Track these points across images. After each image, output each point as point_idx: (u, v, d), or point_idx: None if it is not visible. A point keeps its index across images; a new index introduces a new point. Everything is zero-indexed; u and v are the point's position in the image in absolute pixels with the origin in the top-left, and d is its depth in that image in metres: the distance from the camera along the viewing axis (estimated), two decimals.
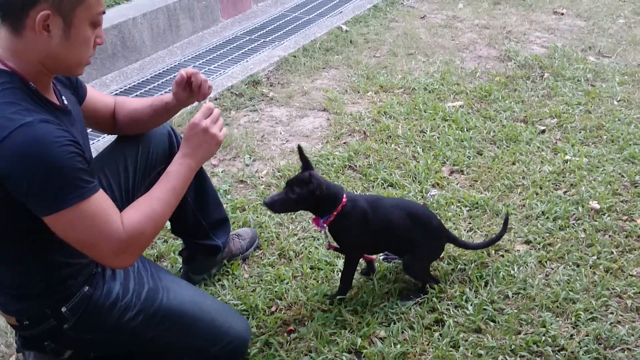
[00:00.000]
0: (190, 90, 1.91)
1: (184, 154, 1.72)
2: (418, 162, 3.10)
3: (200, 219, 2.26)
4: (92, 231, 1.49)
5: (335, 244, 2.21)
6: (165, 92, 3.94)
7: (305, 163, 2.05)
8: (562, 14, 5.35)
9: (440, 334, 2.08)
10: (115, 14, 4.35)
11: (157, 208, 1.62)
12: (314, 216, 2.12)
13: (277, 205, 2.02)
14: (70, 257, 1.64)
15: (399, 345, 2.03)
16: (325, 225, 2.09)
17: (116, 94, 3.93)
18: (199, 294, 1.98)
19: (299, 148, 2.08)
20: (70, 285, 1.65)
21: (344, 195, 2.09)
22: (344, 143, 3.32)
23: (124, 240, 1.54)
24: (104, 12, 1.53)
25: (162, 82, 4.14)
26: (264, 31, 5.04)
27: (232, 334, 1.89)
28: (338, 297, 2.22)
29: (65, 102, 1.62)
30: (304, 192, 2.00)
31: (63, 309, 1.64)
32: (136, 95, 3.93)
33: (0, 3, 1.43)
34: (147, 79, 4.19)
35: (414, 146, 3.25)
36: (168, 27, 4.66)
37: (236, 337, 1.90)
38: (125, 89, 4.02)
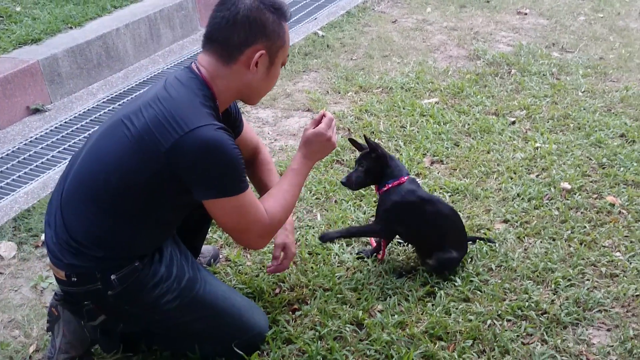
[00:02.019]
0: None
1: (305, 156, 1.99)
2: (401, 154, 3.29)
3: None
4: (247, 217, 1.80)
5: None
6: None
7: (363, 146, 2.33)
8: (526, 13, 5.63)
9: (433, 304, 2.27)
10: (99, 26, 4.48)
11: (288, 199, 1.94)
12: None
13: (353, 180, 2.30)
14: (165, 237, 1.91)
15: (396, 316, 2.21)
16: (379, 192, 2.33)
17: (103, 102, 4.06)
18: (231, 290, 2.14)
19: (351, 140, 2.38)
20: (128, 258, 1.80)
21: (407, 176, 2.32)
22: None
23: (267, 225, 1.86)
24: (288, 55, 1.89)
25: (147, 90, 4.25)
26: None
27: (256, 328, 2.07)
28: (331, 236, 2.40)
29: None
30: (370, 161, 2.28)
31: (112, 277, 1.77)
32: (123, 102, 4.05)
33: (219, 40, 1.76)
34: (132, 87, 4.32)
35: (396, 140, 3.45)
36: (149, 36, 4.80)
37: (258, 332, 2.08)
38: (111, 97, 4.14)
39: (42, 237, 2.69)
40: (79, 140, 3.58)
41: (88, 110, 3.96)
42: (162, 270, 1.87)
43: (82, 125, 3.75)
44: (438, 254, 2.35)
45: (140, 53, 4.73)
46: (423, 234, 2.40)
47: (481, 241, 2.58)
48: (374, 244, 2.57)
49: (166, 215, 1.85)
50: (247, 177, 1.83)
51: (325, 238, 2.40)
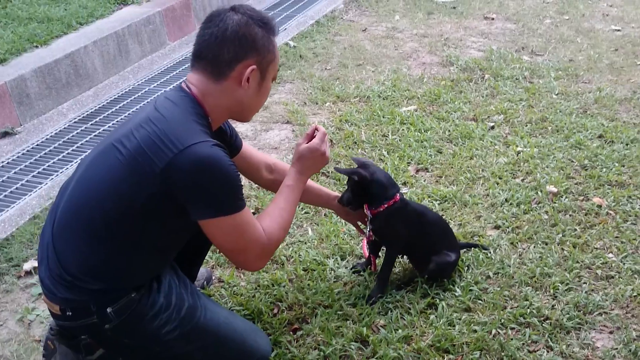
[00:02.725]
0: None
1: (299, 171, 1.95)
2: (386, 163, 3.28)
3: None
4: (246, 237, 1.74)
5: (373, 237, 2.36)
6: (123, 118, 3.98)
7: (359, 162, 2.29)
8: (493, 18, 5.71)
9: (436, 316, 2.24)
10: (66, 44, 4.36)
11: (285, 217, 1.89)
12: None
13: (345, 200, 2.28)
14: (162, 265, 1.84)
15: (400, 330, 2.18)
16: (370, 213, 2.27)
17: (75, 123, 3.94)
18: (231, 314, 2.07)
19: (337, 169, 2.32)
20: (125, 289, 1.72)
21: (398, 195, 2.27)
22: None
23: (266, 245, 1.80)
24: (278, 70, 1.85)
25: (119, 108, 4.16)
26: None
27: (259, 353, 2.00)
28: (378, 295, 2.34)
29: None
30: (353, 182, 2.23)
31: (108, 309, 1.70)
32: (95, 122, 3.94)
33: (209, 57, 1.70)
34: (103, 105, 4.21)
35: (379, 149, 3.43)
36: (118, 52, 4.69)
37: (262, 355, 2.01)
38: (83, 117, 4.03)
39: (25, 266, 2.58)
40: (53, 163, 3.46)
41: (60, 131, 3.84)
42: (161, 300, 1.80)
43: (55, 147, 3.63)
44: (436, 258, 2.34)
45: (109, 70, 4.62)
46: (419, 245, 2.38)
47: (475, 249, 2.57)
48: (367, 254, 2.54)
49: (163, 242, 1.78)
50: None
51: (373, 300, 2.34)
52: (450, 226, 2.54)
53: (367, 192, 2.24)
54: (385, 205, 2.25)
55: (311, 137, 2.01)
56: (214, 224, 1.70)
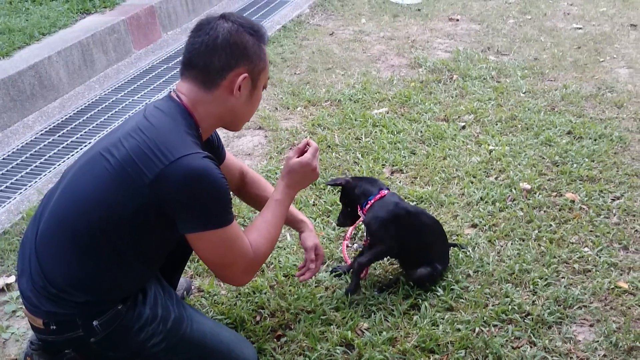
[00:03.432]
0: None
1: (288, 185, 1.92)
2: (360, 166, 3.28)
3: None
4: (233, 251, 1.72)
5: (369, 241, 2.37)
6: (91, 129, 3.91)
7: (335, 180, 2.35)
8: (457, 20, 5.78)
9: (419, 316, 2.25)
10: (29, 55, 4.26)
11: (272, 232, 1.86)
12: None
13: (341, 219, 2.40)
14: (149, 276, 1.81)
15: (384, 332, 2.17)
16: (362, 213, 2.28)
17: (41, 135, 3.86)
18: (217, 325, 2.04)
19: (327, 183, 2.38)
20: (111, 301, 1.68)
21: (383, 190, 2.29)
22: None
23: (252, 260, 1.77)
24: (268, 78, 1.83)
25: (86, 118, 4.08)
26: (180, 59, 5.07)
27: None
28: (351, 291, 2.36)
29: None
30: (342, 193, 2.31)
31: (94, 322, 1.66)
32: (63, 133, 3.86)
33: (200, 65, 1.68)
34: (70, 116, 4.12)
35: (353, 153, 3.43)
36: (83, 62, 4.61)
37: None
38: (49, 129, 3.94)
39: None
40: (21, 176, 3.38)
41: (26, 144, 3.74)
42: (147, 312, 1.76)
43: (22, 161, 3.54)
44: (424, 268, 2.33)
45: (74, 80, 4.53)
46: (411, 246, 2.37)
47: (454, 248, 2.59)
48: (349, 261, 2.54)
49: (151, 253, 1.74)
50: (244, 201, 1.81)
51: (352, 292, 2.36)
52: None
53: (354, 195, 2.27)
54: (372, 201, 2.27)
55: (302, 151, 1.98)
56: (202, 238, 1.67)
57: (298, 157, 1.94)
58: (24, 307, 1.72)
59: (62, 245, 1.64)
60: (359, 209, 2.32)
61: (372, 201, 2.27)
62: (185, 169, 1.56)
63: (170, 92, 1.74)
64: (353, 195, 2.31)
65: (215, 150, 2.00)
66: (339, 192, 2.37)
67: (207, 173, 1.58)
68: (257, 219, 1.89)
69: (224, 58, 1.66)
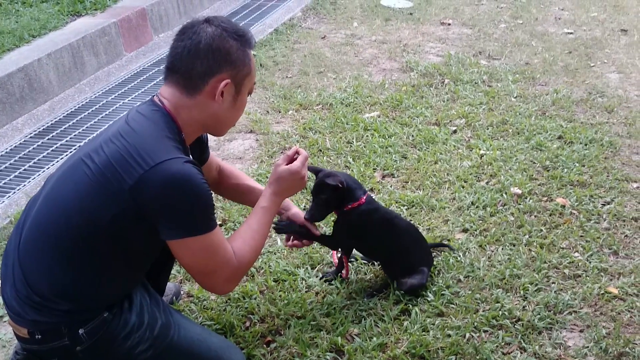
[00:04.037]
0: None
1: (275, 193, 1.90)
2: (352, 170, 3.27)
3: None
4: (216, 259, 1.69)
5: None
6: (81, 132, 3.88)
7: (316, 171, 2.24)
8: (449, 24, 5.78)
9: (409, 322, 2.24)
10: (18, 57, 4.22)
11: (258, 240, 1.84)
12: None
13: (317, 215, 2.22)
14: (134, 282, 1.79)
15: (374, 338, 2.16)
16: (337, 212, 2.28)
17: (31, 138, 3.83)
18: (205, 331, 2.02)
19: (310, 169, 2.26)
20: (97, 309, 1.66)
21: (364, 196, 2.25)
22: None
23: (236, 269, 1.75)
24: (255, 83, 1.81)
25: (76, 121, 4.05)
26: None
27: None
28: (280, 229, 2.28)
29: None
30: (329, 193, 2.18)
31: (80, 331, 1.64)
32: (52, 136, 3.83)
33: (181, 70, 1.66)
34: (59, 119, 4.09)
35: (345, 156, 3.42)
36: (73, 65, 4.57)
37: None
38: (39, 132, 3.91)
39: None
40: (10, 180, 3.35)
41: (15, 147, 3.71)
42: (133, 319, 1.74)
43: (10, 164, 3.51)
44: (414, 278, 2.33)
45: (64, 83, 4.50)
46: (387, 251, 2.37)
47: (443, 248, 2.59)
48: (337, 262, 2.53)
49: (134, 259, 1.72)
50: (225, 196, 1.78)
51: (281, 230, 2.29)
52: (420, 231, 2.54)
53: (342, 196, 2.24)
54: (353, 205, 2.24)
55: (291, 159, 1.97)
56: (183, 244, 1.65)
57: (287, 164, 1.93)
58: (8, 316, 1.70)
59: (45, 253, 1.63)
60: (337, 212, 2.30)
61: (350, 207, 2.24)
62: (165, 173, 1.54)
63: (153, 96, 1.72)
64: (341, 197, 2.26)
65: (204, 149, 1.99)
66: (316, 187, 2.24)
67: (188, 178, 1.57)
68: (242, 226, 1.88)
69: (206, 63, 1.65)
